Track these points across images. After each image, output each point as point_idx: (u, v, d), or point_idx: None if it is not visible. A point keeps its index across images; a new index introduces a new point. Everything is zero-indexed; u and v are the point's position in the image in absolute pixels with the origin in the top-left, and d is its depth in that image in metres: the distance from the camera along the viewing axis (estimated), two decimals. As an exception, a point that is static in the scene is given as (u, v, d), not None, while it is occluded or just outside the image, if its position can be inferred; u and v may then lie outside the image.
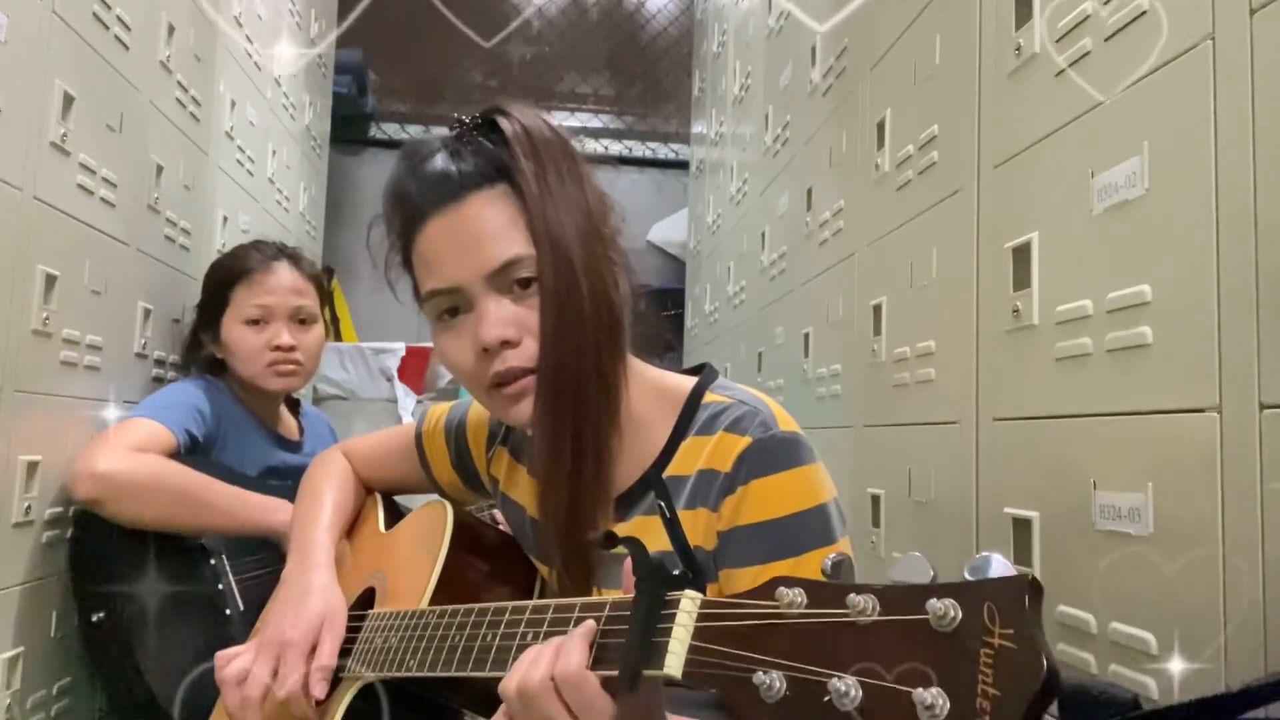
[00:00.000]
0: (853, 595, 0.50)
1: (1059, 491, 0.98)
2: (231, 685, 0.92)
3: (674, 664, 0.58)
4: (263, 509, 1.42)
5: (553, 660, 0.64)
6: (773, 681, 0.51)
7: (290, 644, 0.91)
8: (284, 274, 1.62)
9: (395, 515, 1.12)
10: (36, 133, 1.27)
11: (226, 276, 1.62)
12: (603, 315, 0.83)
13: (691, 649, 0.58)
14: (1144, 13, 0.89)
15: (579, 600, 0.69)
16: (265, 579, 1.36)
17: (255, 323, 1.59)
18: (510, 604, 0.76)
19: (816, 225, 1.89)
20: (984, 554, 0.48)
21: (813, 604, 0.52)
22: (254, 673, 0.91)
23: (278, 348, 1.59)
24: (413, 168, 0.87)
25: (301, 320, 1.63)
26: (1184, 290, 0.82)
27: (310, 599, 0.95)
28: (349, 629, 0.96)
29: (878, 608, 0.49)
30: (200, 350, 1.66)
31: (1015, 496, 1.07)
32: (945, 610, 0.46)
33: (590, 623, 0.66)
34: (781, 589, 0.54)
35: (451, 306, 0.85)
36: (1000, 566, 0.47)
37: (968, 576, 0.48)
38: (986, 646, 0.45)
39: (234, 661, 0.93)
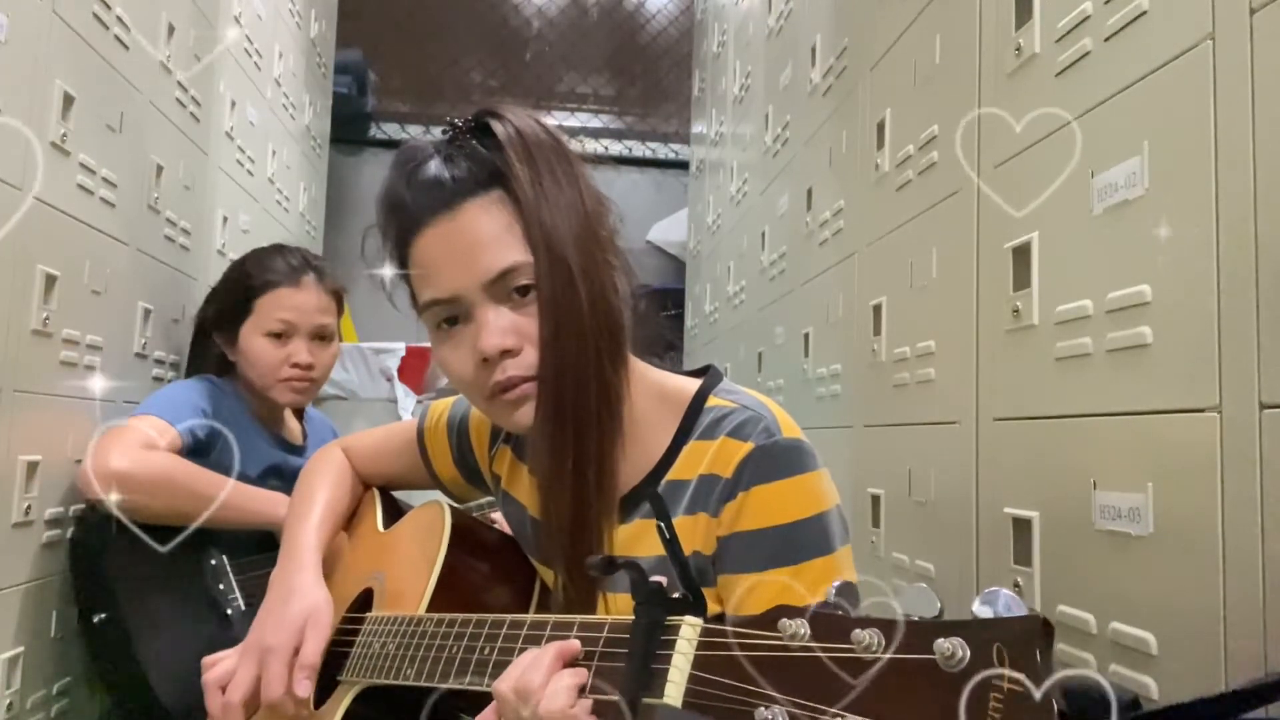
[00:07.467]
0: (857, 630, 0.49)
1: (1059, 491, 0.98)
2: (214, 690, 0.92)
3: (674, 693, 0.57)
4: (270, 503, 1.44)
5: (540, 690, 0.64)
6: (775, 717, 0.50)
7: (271, 649, 0.91)
8: (310, 290, 1.60)
9: (394, 513, 1.12)
10: (37, 133, 1.27)
11: (253, 284, 1.59)
12: (602, 321, 0.83)
13: (691, 678, 0.57)
14: (1144, 13, 0.89)
15: (578, 618, 0.68)
16: (267, 578, 1.36)
17: (277, 336, 1.57)
18: (509, 616, 0.76)
19: (816, 225, 1.89)
20: (993, 589, 0.47)
21: (816, 637, 0.51)
22: (237, 677, 0.91)
23: (296, 365, 1.57)
24: (406, 175, 0.86)
25: (321, 338, 1.61)
26: (1184, 290, 0.82)
27: (292, 600, 0.95)
28: (348, 630, 0.96)
29: (883, 644, 0.48)
30: (209, 348, 1.64)
31: (1015, 496, 1.07)
32: (953, 650, 0.45)
33: (578, 671, 0.65)
34: (784, 620, 0.53)
35: (450, 316, 0.84)
36: (1010, 603, 0.46)
37: (976, 612, 0.47)
38: (995, 690, 0.44)
39: (217, 666, 0.93)
